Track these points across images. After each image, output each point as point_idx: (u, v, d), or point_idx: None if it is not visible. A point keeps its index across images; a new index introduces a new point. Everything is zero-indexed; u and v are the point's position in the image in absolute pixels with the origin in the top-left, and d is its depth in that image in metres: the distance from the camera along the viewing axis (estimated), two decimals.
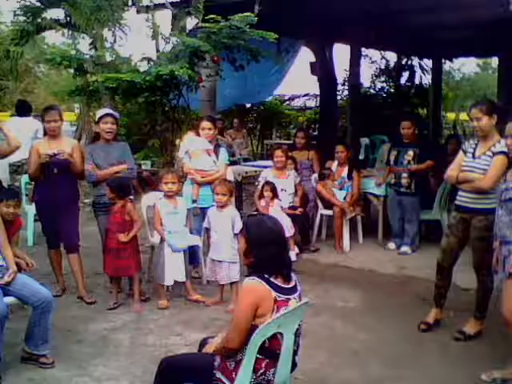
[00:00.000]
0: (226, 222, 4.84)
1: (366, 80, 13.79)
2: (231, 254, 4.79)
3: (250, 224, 2.79)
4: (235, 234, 4.75)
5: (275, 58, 8.79)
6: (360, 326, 4.47)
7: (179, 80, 6.41)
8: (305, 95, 16.86)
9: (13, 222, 3.98)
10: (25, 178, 6.60)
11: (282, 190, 6.08)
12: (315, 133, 13.33)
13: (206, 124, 5.57)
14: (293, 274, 2.72)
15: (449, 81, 18.50)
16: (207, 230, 5.02)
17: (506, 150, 3.75)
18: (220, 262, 4.82)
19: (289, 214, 5.86)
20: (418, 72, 14.14)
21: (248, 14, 6.06)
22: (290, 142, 11.21)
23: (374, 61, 14.26)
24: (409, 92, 14.14)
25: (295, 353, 2.70)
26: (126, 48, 12.00)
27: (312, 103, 16.58)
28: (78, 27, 7.27)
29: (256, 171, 7.87)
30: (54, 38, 16.95)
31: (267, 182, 5.97)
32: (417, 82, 14.26)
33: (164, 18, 7.59)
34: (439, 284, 4.37)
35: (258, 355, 2.54)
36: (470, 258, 4.16)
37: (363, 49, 12.33)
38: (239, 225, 4.63)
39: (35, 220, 6.22)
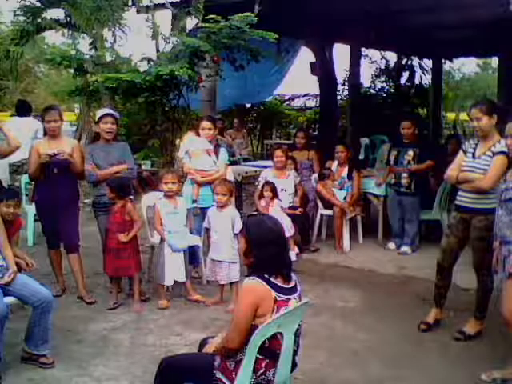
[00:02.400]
0: (226, 222, 4.83)
1: (366, 80, 13.82)
2: (231, 254, 4.79)
3: (250, 224, 2.78)
4: (235, 234, 4.74)
5: (275, 58, 8.80)
6: (360, 326, 4.46)
7: (179, 80, 6.41)
8: (305, 95, 16.86)
9: (13, 222, 3.98)
10: (25, 178, 6.60)
11: (282, 190, 6.08)
12: (315, 133, 13.34)
13: (206, 124, 5.57)
14: (293, 274, 2.72)
15: (449, 81, 18.50)
16: (207, 229, 5.01)
17: (506, 149, 3.75)
18: (220, 262, 4.82)
19: (289, 214, 5.86)
20: (418, 72, 14.17)
21: (248, 13, 6.06)
22: (290, 142, 11.21)
23: (374, 61, 14.28)
24: (409, 92, 14.14)
25: (295, 353, 2.70)
26: (126, 48, 12.02)
27: (312, 103, 16.59)
28: (78, 27, 7.27)
29: (256, 171, 7.87)
30: (54, 38, 16.98)
31: (267, 182, 5.97)
32: (417, 82, 14.27)
33: (164, 18, 7.60)
34: (439, 284, 4.36)
35: (258, 355, 2.54)
36: (470, 258, 4.16)
37: (363, 49, 12.33)
38: (239, 225, 4.62)
39: (35, 220, 6.22)
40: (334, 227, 6.63)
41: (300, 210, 6.22)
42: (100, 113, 5.20)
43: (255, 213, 5.63)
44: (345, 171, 6.74)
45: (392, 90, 14.23)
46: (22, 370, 3.68)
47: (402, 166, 6.42)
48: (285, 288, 2.62)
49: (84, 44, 7.76)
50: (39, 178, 4.90)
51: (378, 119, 12.04)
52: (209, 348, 2.81)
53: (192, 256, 5.20)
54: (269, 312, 2.54)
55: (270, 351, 2.56)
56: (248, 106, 15.71)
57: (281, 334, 2.55)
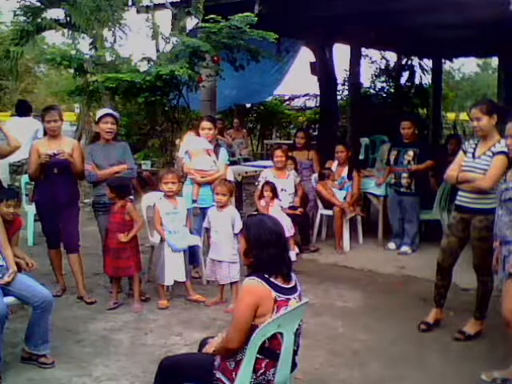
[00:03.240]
0: (226, 222, 4.83)
1: (366, 80, 13.81)
2: (231, 254, 4.79)
3: (249, 224, 2.78)
4: (235, 234, 4.74)
5: (275, 58, 8.79)
6: (360, 326, 4.46)
7: (179, 80, 6.41)
8: (305, 95, 16.87)
9: (13, 222, 3.98)
10: (25, 178, 6.59)
11: (282, 190, 6.08)
12: (315, 133, 13.34)
13: (205, 124, 5.58)
14: (293, 274, 2.72)
15: (449, 81, 18.52)
16: (207, 229, 5.02)
17: (506, 149, 3.75)
18: (220, 262, 4.81)
19: (289, 214, 5.86)
20: (418, 72, 14.17)
21: (248, 14, 6.07)
22: (290, 142, 11.21)
23: (374, 61, 14.27)
24: (409, 92, 14.15)
25: (295, 353, 2.70)
26: (125, 48, 12.04)
27: (312, 103, 16.60)
28: (78, 27, 7.28)
29: (256, 171, 7.87)
30: (54, 38, 16.98)
31: (267, 182, 5.97)
32: (417, 82, 14.27)
33: (164, 18, 7.61)
34: (439, 284, 4.36)
35: (258, 355, 2.54)
36: (470, 258, 4.16)
37: (363, 49, 12.33)
38: (239, 225, 4.62)
39: (35, 220, 6.23)
40: (334, 227, 6.63)
41: (300, 210, 6.22)
42: (100, 113, 5.20)
43: (255, 213, 5.63)
44: (345, 171, 6.75)
45: (392, 90, 14.22)
46: (21, 370, 3.68)
47: (401, 166, 6.42)
48: (285, 288, 2.62)
49: (84, 44, 7.80)
50: (39, 177, 4.89)
51: (378, 119, 12.03)
52: (209, 348, 2.81)
53: (192, 256, 5.19)
54: (269, 312, 2.54)
55: (270, 351, 2.56)
56: (248, 105, 15.71)
57: (281, 333, 2.55)
